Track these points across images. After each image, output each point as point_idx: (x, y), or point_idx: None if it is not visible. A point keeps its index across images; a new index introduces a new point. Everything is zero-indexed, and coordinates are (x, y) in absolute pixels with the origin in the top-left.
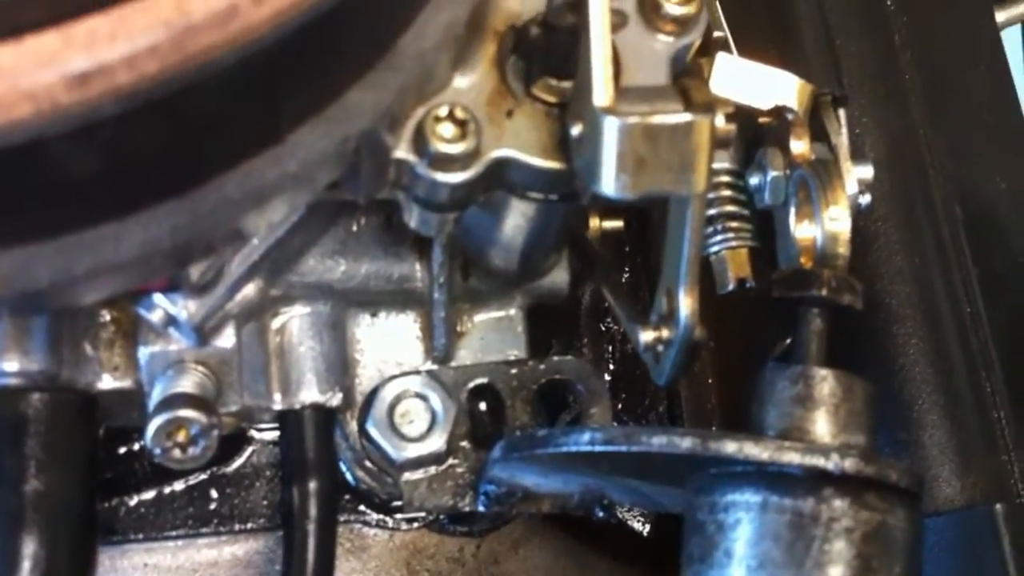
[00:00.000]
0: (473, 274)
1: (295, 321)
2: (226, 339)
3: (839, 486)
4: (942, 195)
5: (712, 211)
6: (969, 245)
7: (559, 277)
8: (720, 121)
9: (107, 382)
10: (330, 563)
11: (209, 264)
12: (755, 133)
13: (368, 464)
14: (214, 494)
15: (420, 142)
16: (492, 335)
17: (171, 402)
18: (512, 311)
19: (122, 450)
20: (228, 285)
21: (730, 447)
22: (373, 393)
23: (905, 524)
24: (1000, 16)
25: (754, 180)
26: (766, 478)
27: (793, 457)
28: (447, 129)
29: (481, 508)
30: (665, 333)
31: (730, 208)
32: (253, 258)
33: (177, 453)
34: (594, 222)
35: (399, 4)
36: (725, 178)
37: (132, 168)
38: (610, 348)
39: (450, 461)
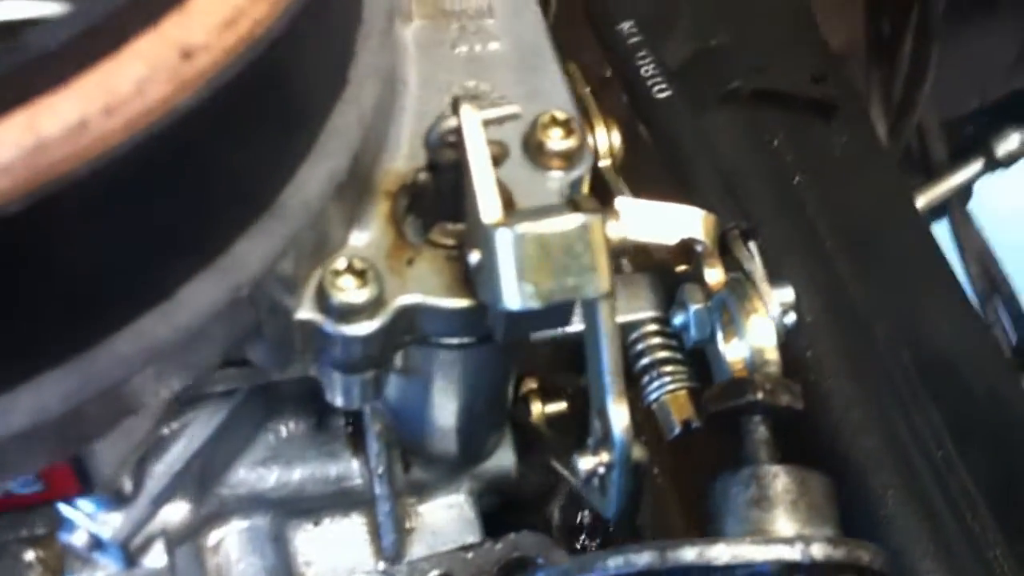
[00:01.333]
0: (414, 464)
1: (232, 538)
2: (156, 559)
3: (811, 573)
4: (886, 344)
5: (644, 361)
6: (924, 388)
7: (505, 459)
8: (612, 229)
9: None
10: None
11: (130, 473)
12: (671, 279)
13: None
14: None
15: (322, 298)
16: (444, 526)
17: None
18: (461, 497)
19: None
20: (152, 496)
21: (689, 554)
22: None
23: None
24: (920, 201)
25: (678, 320)
26: None
27: (756, 553)
28: (347, 281)
29: None
30: (604, 457)
31: (661, 354)
32: (176, 467)
33: None
34: (536, 408)
35: (273, 160)
36: (650, 326)
37: (14, 332)
38: None
39: None
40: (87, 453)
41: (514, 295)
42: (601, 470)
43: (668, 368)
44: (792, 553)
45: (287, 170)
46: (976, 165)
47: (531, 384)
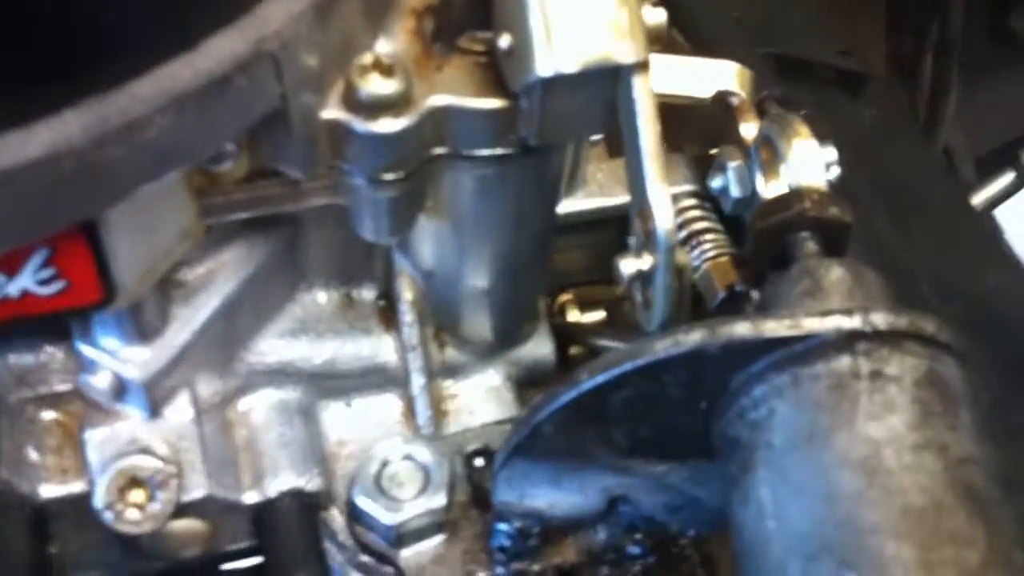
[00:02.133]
0: (448, 343)
1: (261, 408)
2: (181, 412)
3: (873, 340)
4: (933, 296)
5: (683, 233)
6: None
7: (543, 347)
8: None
9: (54, 489)
10: None
11: (154, 306)
12: (703, 153)
13: (363, 559)
14: None
15: (349, 94)
16: (481, 407)
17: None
18: (499, 379)
19: None
20: (178, 338)
21: (741, 328)
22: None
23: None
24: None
25: (716, 183)
26: (790, 359)
27: (814, 324)
28: (374, 76)
29: (499, 571)
30: (646, 259)
31: (700, 225)
32: (202, 314)
33: (134, 514)
34: (574, 316)
35: None
36: (688, 200)
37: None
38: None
39: (456, 529)
40: (110, 253)
41: (548, 59)
42: (645, 270)
43: (708, 236)
44: (851, 322)
45: None
46: (1007, 178)
47: (568, 296)
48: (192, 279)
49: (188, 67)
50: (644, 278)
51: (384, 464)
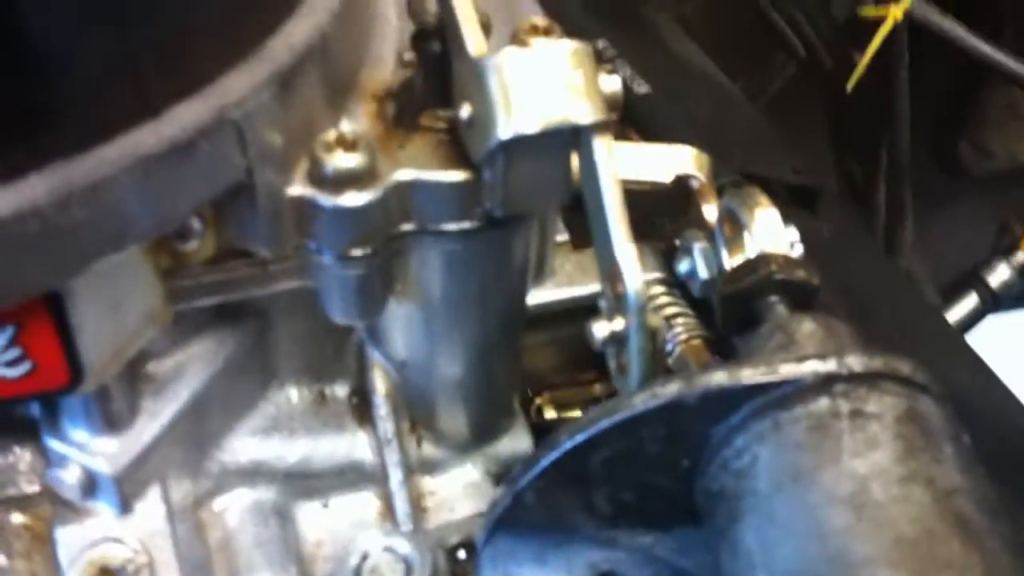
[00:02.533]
0: (425, 438)
1: (235, 509)
2: (153, 508)
3: (850, 381)
4: None
5: (655, 320)
6: None
7: (520, 442)
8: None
9: None
10: None
11: (122, 396)
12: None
13: None
14: None
15: (314, 170)
16: (461, 503)
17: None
18: (477, 476)
19: None
20: (148, 429)
21: (719, 377)
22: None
23: (938, 411)
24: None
25: (683, 267)
26: (769, 405)
27: (791, 370)
28: (339, 152)
29: None
30: (618, 322)
31: (670, 310)
32: (171, 407)
33: None
34: (551, 415)
35: (260, 7)
36: (657, 288)
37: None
38: None
39: None
40: (77, 331)
41: (506, 124)
42: (618, 331)
43: (680, 320)
44: (827, 366)
45: (274, 19)
46: (971, 300)
47: (544, 398)
48: (161, 372)
49: (153, 133)
50: (618, 341)
51: (364, 557)
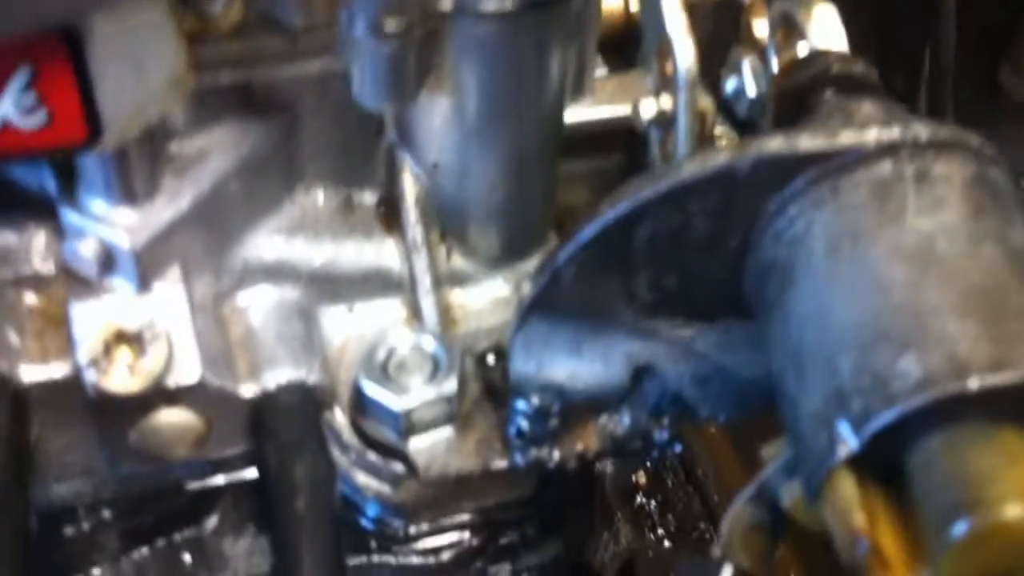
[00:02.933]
0: (455, 250)
1: (258, 305)
2: (173, 287)
3: (915, 148)
4: None
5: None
6: None
7: None
8: None
9: (36, 371)
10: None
11: (143, 167)
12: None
13: (370, 458)
14: (188, 559)
15: None
16: (490, 317)
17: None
18: (507, 292)
19: (69, 531)
20: (169, 205)
21: (774, 144)
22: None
23: (1006, 179)
24: None
25: (730, 86)
26: (828, 173)
27: (852, 137)
28: None
29: (517, 458)
30: (666, 101)
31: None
32: (196, 188)
33: (121, 371)
34: None
35: None
36: None
37: None
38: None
39: (469, 421)
40: (96, 83)
41: None
42: (666, 111)
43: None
44: (891, 134)
45: None
46: None
47: None
48: (183, 154)
49: None
50: (665, 121)
51: (391, 352)
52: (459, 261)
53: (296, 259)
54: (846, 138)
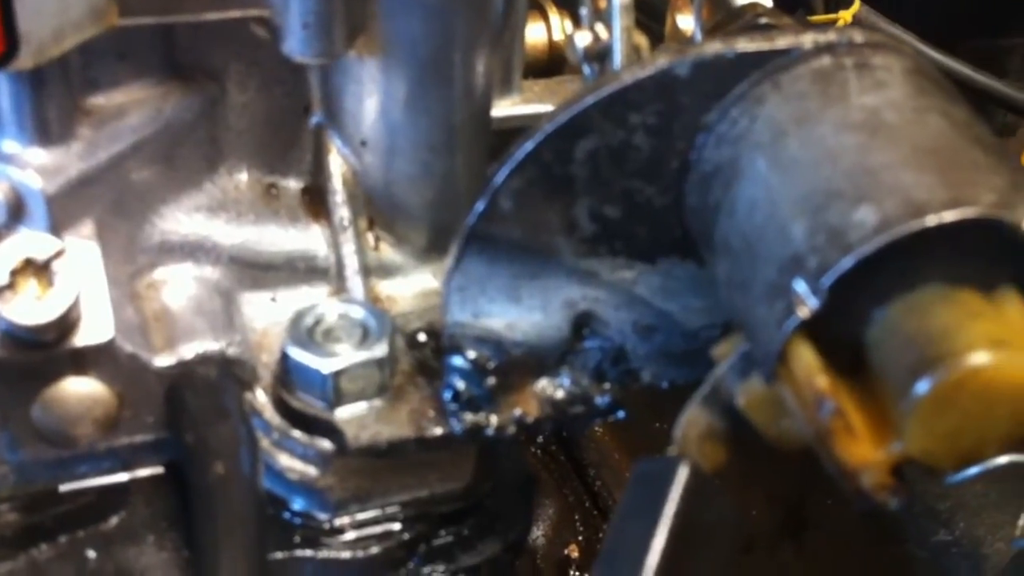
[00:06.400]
0: (384, 240)
1: (177, 280)
2: (85, 240)
3: (852, 46)
4: None
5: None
6: None
7: None
8: None
9: None
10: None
11: (58, 108)
12: None
13: (294, 434)
14: (92, 554)
15: None
16: (421, 306)
17: None
18: (436, 284)
19: None
20: (83, 152)
21: (713, 47)
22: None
23: (945, 78)
24: None
25: None
26: (768, 73)
27: (790, 40)
28: None
29: (454, 424)
30: (601, 30)
31: None
32: (112, 143)
33: (28, 303)
34: None
35: None
36: None
37: None
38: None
39: (402, 393)
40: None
41: None
42: (602, 41)
43: None
44: (828, 36)
45: None
46: None
47: None
48: (103, 108)
49: None
50: (599, 55)
51: (319, 319)
52: (387, 251)
53: (216, 238)
54: (784, 40)
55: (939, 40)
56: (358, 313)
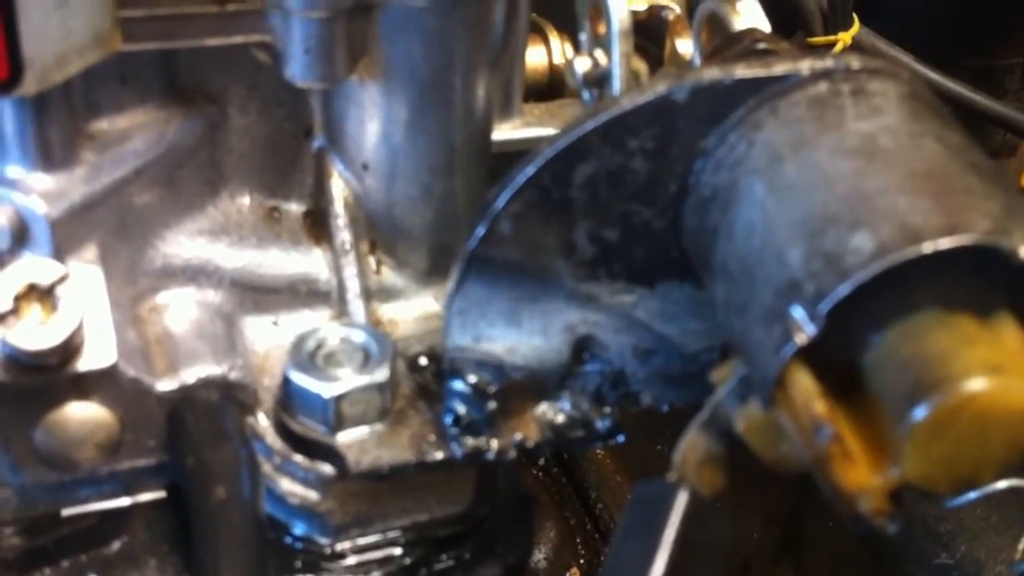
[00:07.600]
0: (385, 263)
1: (179, 304)
2: (88, 264)
3: (849, 72)
4: None
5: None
6: None
7: None
8: None
9: None
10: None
11: (62, 133)
12: None
13: (296, 459)
14: None
15: None
16: (422, 329)
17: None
18: (437, 308)
19: None
20: (87, 177)
21: (711, 73)
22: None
23: (939, 102)
24: None
25: None
26: (765, 99)
27: (787, 66)
28: None
29: (454, 448)
30: (600, 56)
31: None
32: (115, 167)
33: (31, 328)
34: None
35: None
36: None
37: None
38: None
39: (403, 417)
40: (21, 22)
41: None
42: (601, 66)
43: None
44: (824, 63)
45: None
46: None
47: None
48: (106, 132)
49: None
50: (598, 80)
51: (320, 343)
52: (389, 275)
53: (218, 261)
54: (781, 67)
55: (938, 59)
56: (359, 337)
